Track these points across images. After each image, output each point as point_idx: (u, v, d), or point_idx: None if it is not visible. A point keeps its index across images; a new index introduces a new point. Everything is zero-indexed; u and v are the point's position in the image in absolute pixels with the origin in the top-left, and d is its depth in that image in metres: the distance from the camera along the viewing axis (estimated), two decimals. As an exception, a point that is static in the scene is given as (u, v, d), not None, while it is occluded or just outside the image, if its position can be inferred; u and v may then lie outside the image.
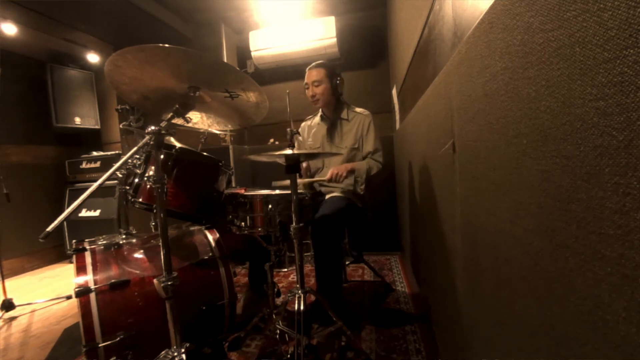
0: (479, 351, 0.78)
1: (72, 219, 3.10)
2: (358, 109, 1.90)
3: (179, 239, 1.49)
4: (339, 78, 1.83)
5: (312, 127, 2.01)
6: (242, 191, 1.58)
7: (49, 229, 0.73)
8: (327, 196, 1.81)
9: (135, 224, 1.77)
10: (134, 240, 1.40)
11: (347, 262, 2.30)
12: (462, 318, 0.90)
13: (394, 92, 2.53)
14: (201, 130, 1.85)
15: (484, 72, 0.63)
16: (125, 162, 0.97)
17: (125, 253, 1.31)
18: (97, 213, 3.16)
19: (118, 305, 1.16)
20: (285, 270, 2.46)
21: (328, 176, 1.68)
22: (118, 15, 2.68)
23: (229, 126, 1.46)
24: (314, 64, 1.83)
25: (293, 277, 2.35)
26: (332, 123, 1.91)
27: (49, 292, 2.47)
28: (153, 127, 0.98)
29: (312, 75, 1.81)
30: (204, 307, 1.29)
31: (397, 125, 2.49)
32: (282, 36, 2.97)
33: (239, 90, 1.13)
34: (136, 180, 1.28)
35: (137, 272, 1.23)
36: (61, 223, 0.76)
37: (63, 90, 3.29)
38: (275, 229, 1.36)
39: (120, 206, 1.88)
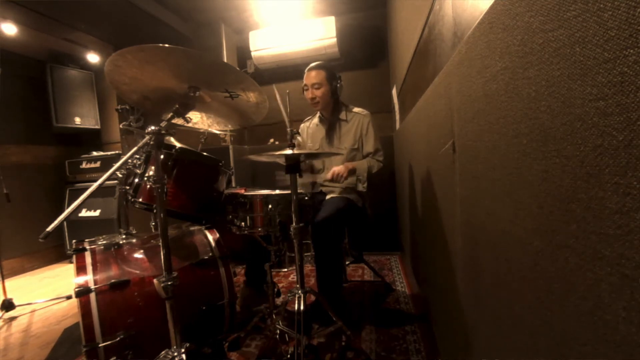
0: (479, 351, 0.78)
1: (72, 219, 3.10)
2: (356, 109, 1.89)
3: (179, 239, 1.49)
4: (339, 80, 1.81)
5: (310, 128, 2.01)
6: (242, 191, 1.58)
7: (49, 229, 0.73)
8: (328, 196, 1.81)
9: (135, 224, 1.77)
10: (134, 240, 1.40)
11: (347, 262, 2.30)
12: (462, 318, 0.90)
13: (394, 92, 2.53)
14: (201, 130, 1.85)
15: (484, 72, 0.63)
16: (125, 162, 0.97)
17: (125, 253, 1.31)
18: (97, 213, 3.16)
19: (118, 305, 1.16)
20: (285, 270, 2.46)
21: (329, 175, 1.68)
22: (118, 15, 2.68)
23: (229, 126, 1.46)
24: (313, 65, 1.81)
25: (293, 277, 2.35)
26: (331, 125, 1.90)
27: (49, 292, 2.47)
28: (153, 127, 0.98)
29: (312, 77, 1.78)
30: (204, 307, 1.29)
31: (397, 125, 2.49)
32: (282, 36, 2.97)
33: (239, 90, 1.13)
34: (136, 180, 1.28)
35: (137, 272, 1.23)
36: (61, 223, 0.76)
37: (63, 90, 3.28)
38: (275, 229, 1.36)
39: (120, 206, 1.89)
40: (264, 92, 1.15)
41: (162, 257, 0.98)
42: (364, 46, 3.11)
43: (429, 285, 1.47)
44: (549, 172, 0.44)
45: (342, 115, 1.87)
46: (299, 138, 2.00)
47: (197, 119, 1.35)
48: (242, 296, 1.81)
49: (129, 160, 1.23)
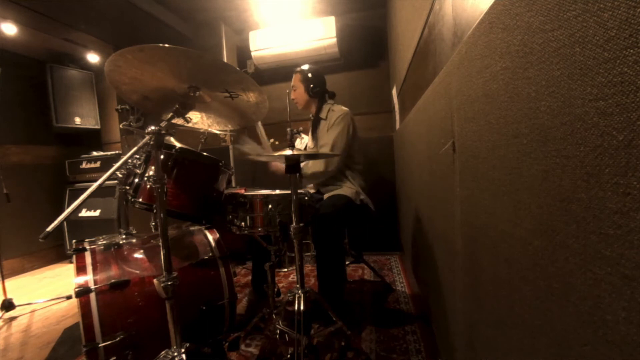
0: (479, 351, 0.78)
1: (72, 219, 3.10)
2: (340, 107, 1.85)
3: (179, 239, 1.49)
4: (313, 79, 1.85)
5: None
6: (242, 191, 1.58)
7: (49, 229, 0.73)
8: (326, 195, 1.81)
9: (135, 224, 1.77)
10: (134, 240, 1.40)
11: (347, 262, 2.30)
12: (462, 318, 0.90)
13: (394, 92, 2.53)
14: (201, 130, 1.85)
15: (484, 72, 0.63)
16: (125, 162, 0.97)
17: (125, 253, 1.31)
18: (97, 213, 3.16)
19: (118, 305, 1.16)
20: (285, 270, 2.46)
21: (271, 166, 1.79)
22: (118, 15, 2.68)
23: (229, 126, 1.46)
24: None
25: (293, 277, 2.35)
26: (314, 124, 1.92)
27: (49, 292, 2.47)
28: (153, 127, 0.98)
29: (292, 80, 1.90)
30: (203, 307, 1.29)
31: (397, 125, 2.49)
32: (282, 36, 2.97)
33: (239, 90, 1.13)
34: (136, 180, 1.28)
35: (137, 272, 1.23)
36: (61, 223, 0.76)
37: (63, 90, 3.28)
38: (275, 229, 1.36)
39: (120, 206, 1.88)
40: (264, 92, 1.15)
41: (162, 257, 0.98)
42: (364, 46, 3.11)
43: (429, 285, 1.46)
44: (549, 172, 0.44)
45: (323, 114, 1.88)
46: (304, 136, 2.03)
47: (197, 119, 1.35)
48: (248, 302, 1.81)
49: (129, 160, 1.23)
